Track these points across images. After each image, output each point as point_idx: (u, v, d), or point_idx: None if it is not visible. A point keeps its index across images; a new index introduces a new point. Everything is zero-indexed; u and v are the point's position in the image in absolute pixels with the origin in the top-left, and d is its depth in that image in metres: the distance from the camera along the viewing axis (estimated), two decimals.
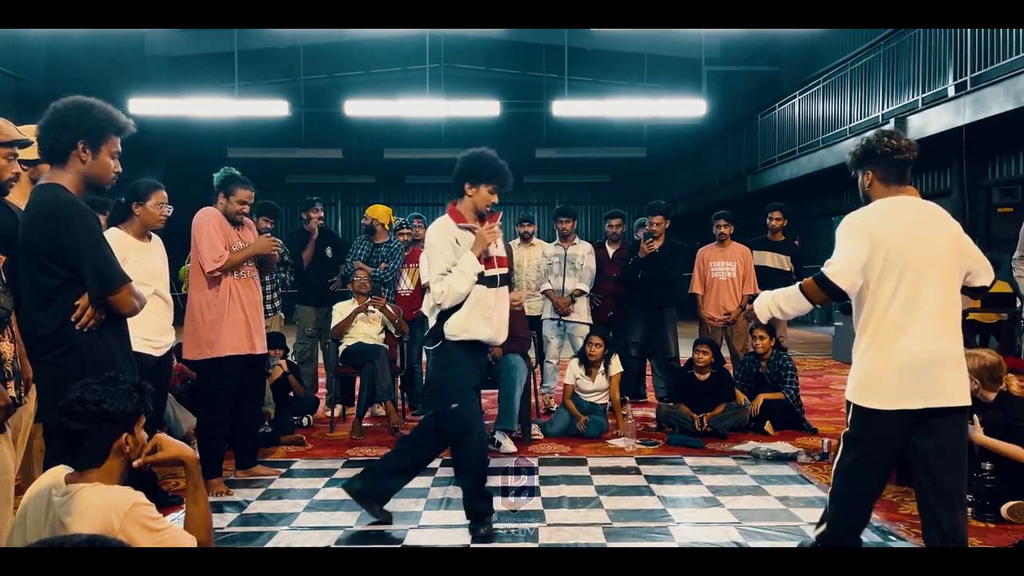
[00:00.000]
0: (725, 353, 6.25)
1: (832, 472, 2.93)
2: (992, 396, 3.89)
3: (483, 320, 3.56)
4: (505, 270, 3.71)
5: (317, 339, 6.47)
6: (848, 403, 2.84)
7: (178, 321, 4.13)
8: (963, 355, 2.78)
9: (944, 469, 2.66)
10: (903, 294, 2.68)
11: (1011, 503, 3.67)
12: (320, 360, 6.69)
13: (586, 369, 5.68)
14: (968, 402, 2.73)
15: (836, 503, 2.86)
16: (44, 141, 2.63)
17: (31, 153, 3.03)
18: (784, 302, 2.92)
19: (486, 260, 3.57)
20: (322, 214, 6.61)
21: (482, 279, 3.54)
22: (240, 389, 4.30)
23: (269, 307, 6.27)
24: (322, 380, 6.95)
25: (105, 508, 1.99)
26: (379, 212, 6.36)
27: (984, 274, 2.84)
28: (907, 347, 2.66)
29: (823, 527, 2.92)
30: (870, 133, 3.01)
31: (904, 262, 2.69)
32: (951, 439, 2.69)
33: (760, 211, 6.90)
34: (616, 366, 5.73)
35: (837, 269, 2.73)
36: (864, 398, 2.76)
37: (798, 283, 2.87)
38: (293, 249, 6.43)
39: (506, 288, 3.73)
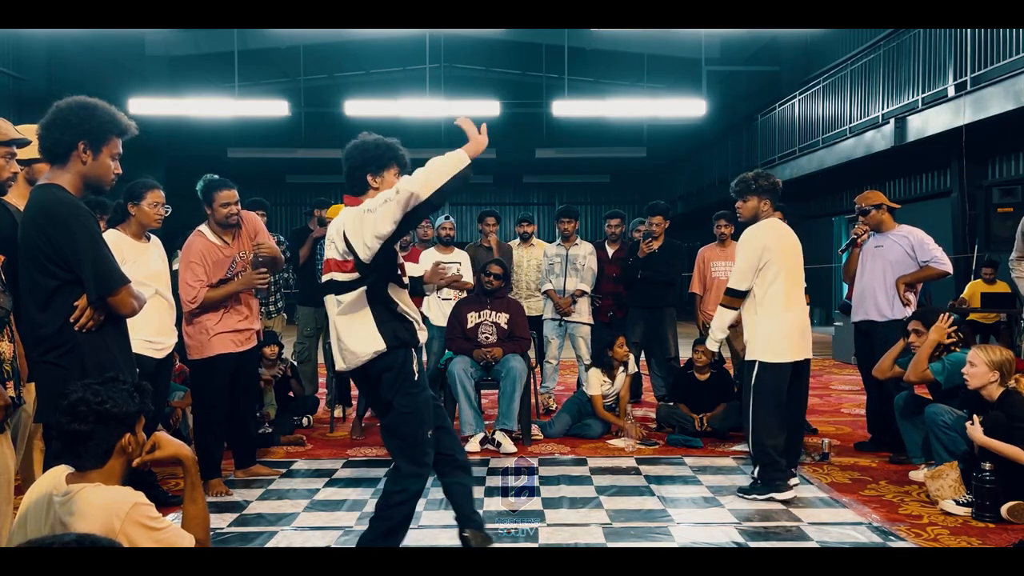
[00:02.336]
0: (725, 353, 6.25)
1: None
2: (997, 394, 3.88)
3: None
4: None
5: (316, 339, 6.47)
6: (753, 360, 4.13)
7: (180, 321, 4.13)
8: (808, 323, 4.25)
9: (799, 392, 4.30)
10: (780, 283, 4.07)
11: (1011, 503, 3.66)
12: (320, 360, 6.68)
13: (608, 373, 5.66)
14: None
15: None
16: (45, 140, 2.62)
17: (28, 152, 3.03)
18: (718, 324, 4.35)
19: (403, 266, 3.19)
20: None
21: (401, 282, 3.12)
22: (234, 388, 4.29)
23: (272, 308, 6.26)
24: (322, 380, 6.95)
25: (106, 508, 1.99)
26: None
27: None
28: (789, 319, 4.10)
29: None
30: (758, 172, 4.25)
31: (780, 262, 4.07)
32: (807, 376, 4.32)
33: None
34: (632, 365, 5.75)
35: (737, 279, 4.15)
36: (765, 356, 4.11)
37: (720, 304, 4.31)
38: (294, 247, 6.43)
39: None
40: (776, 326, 4.09)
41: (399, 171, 3.11)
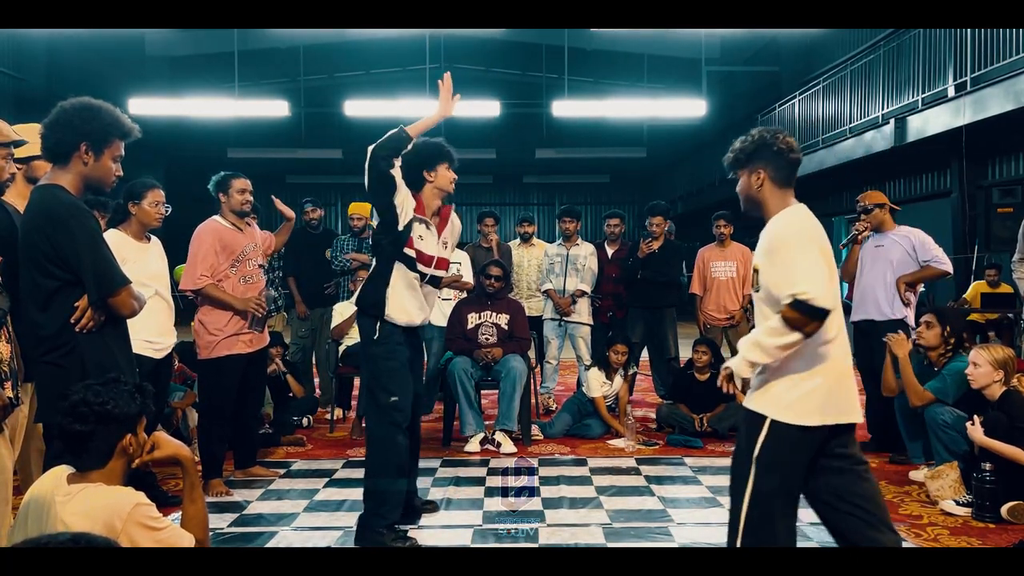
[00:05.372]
0: (725, 353, 6.25)
1: None
2: (998, 393, 3.87)
3: (420, 305, 3.55)
4: (444, 273, 3.67)
5: (310, 340, 6.45)
6: None
7: (180, 321, 4.13)
8: None
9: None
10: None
11: (1011, 503, 3.66)
12: (313, 361, 6.67)
13: (607, 374, 5.67)
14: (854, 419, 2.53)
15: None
16: (47, 140, 2.62)
17: (27, 150, 3.03)
18: (762, 349, 2.45)
19: (420, 253, 3.50)
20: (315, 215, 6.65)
21: (411, 264, 3.49)
22: (241, 389, 4.29)
23: (272, 306, 6.26)
24: (316, 381, 6.93)
25: (108, 509, 1.99)
26: (367, 208, 6.20)
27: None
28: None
29: None
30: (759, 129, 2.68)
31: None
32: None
33: None
34: (631, 366, 5.75)
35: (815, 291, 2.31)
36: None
37: (780, 317, 2.37)
38: (289, 251, 6.45)
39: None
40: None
41: (449, 166, 3.61)
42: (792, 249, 2.38)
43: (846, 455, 2.51)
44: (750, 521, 2.52)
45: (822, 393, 2.43)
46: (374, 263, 3.57)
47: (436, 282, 3.62)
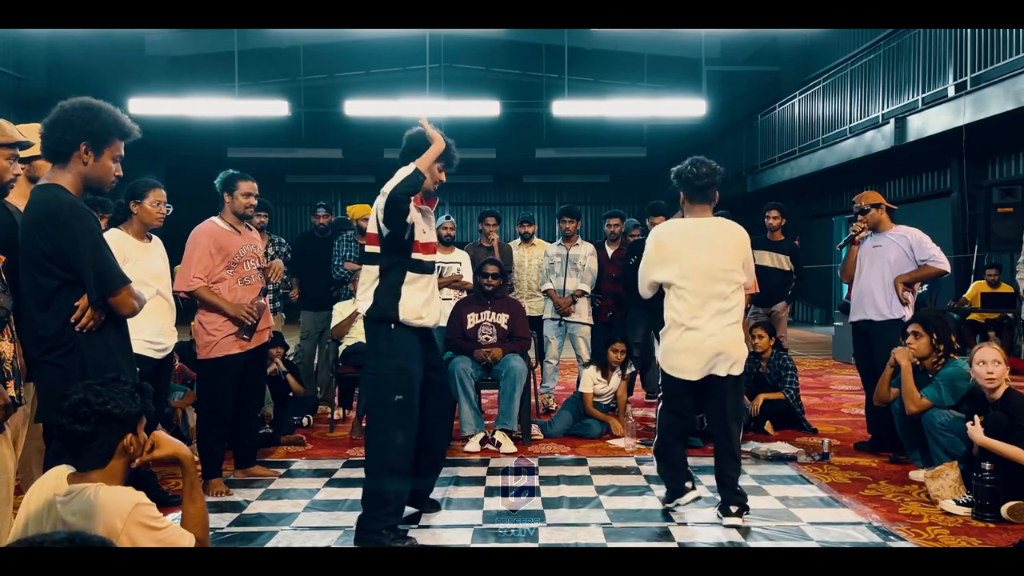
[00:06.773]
0: None
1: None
2: (1000, 392, 3.87)
3: (430, 306, 3.54)
4: (435, 257, 3.65)
5: (314, 341, 6.46)
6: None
7: (180, 321, 4.13)
8: (736, 338, 3.69)
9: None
10: (689, 292, 3.65)
11: (1011, 503, 3.66)
12: (316, 362, 6.67)
13: (603, 372, 5.67)
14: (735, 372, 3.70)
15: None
16: (47, 139, 2.63)
17: (30, 150, 3.03)
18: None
19: (423, 245, 3.51)
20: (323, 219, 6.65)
21: (420, 267, 3.49)
22: (240, 389, 4.29)
23: (276, 304, 6.26)
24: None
25: (109, 509, 1.99)
26: (367, 209, 6.19)
27: (751, 283, 3.85)
28: (690, 335, 3.65)
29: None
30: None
31: (687, 266, 3.65)
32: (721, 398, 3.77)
33: (760, 211, 6.91)
34: (629, 366, 5.76)
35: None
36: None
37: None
38: (296, 252, 6.44)
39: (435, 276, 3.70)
40: (667, 337, 3.79)
41: (442, 167, 3.60)
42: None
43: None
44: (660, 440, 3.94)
45: (671, 354, 3.75)
46: (378, 273, 3.51)
47: (432, 267, 3.62)
